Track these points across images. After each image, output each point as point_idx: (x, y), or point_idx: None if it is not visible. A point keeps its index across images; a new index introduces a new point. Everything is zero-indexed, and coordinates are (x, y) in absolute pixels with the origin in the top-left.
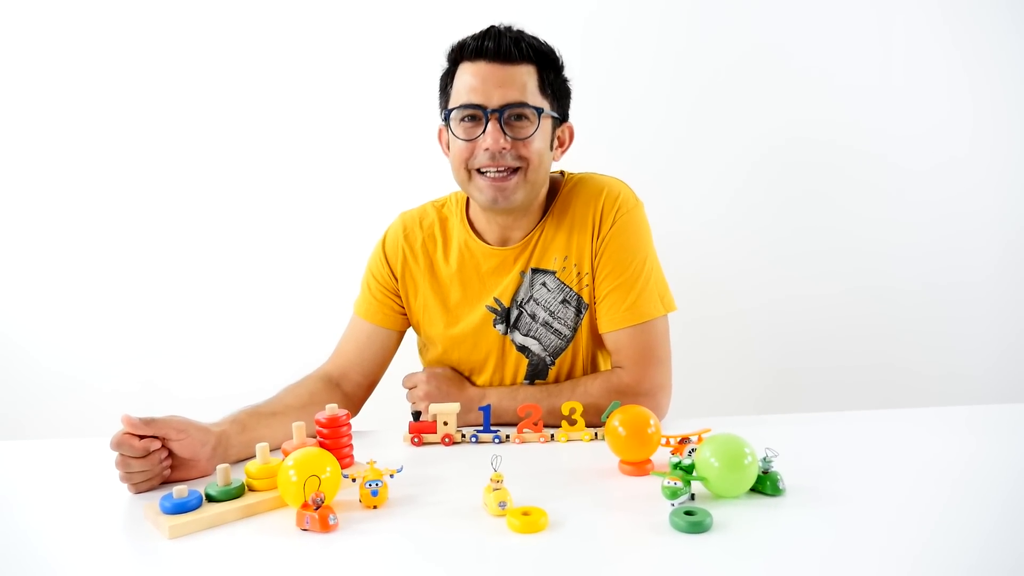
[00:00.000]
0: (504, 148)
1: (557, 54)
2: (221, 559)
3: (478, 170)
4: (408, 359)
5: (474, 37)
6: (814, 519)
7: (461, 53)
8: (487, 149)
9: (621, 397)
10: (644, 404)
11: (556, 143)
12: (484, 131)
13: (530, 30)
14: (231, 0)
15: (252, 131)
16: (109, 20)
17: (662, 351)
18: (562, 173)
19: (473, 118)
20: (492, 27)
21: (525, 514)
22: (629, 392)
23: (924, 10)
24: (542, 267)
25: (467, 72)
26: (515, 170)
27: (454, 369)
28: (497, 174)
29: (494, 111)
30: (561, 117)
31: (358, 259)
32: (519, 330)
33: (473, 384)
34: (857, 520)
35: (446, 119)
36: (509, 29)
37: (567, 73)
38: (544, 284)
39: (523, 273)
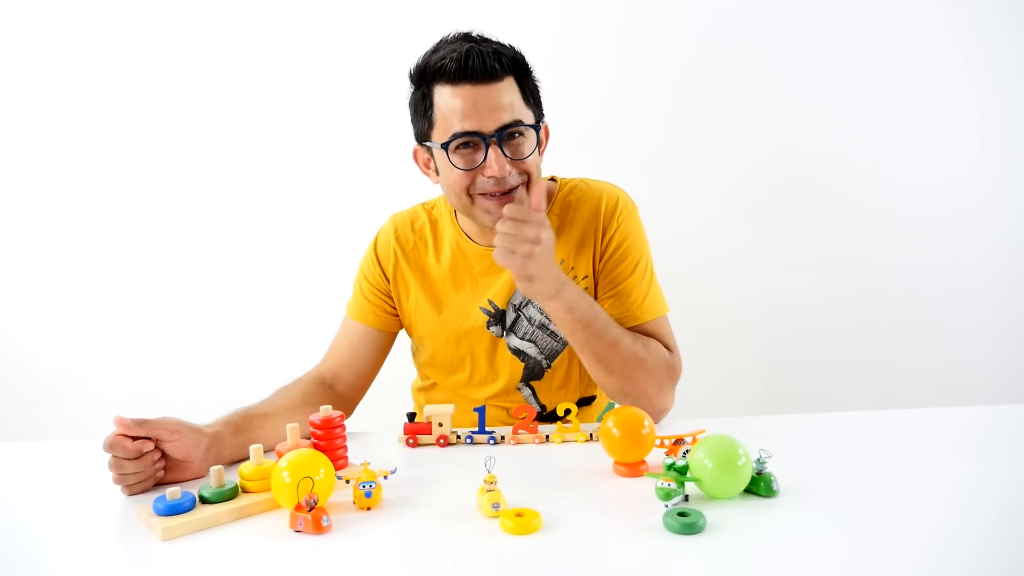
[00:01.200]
0: (509, 172)
1: (524, 56)
2: (214, 561)
3: (480, 194)
4: (403, 359)
5: (453, 59)
6: (808, 520)
7: (438, 74)
8: (491, 177)
9: (664, 365)
10: (669, 391)
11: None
12: (485, 159)
13: (521, 27)
14: (225, 2)
15: (243, 138)
16: (107, 22)
17: (673, 343)
18: (553, 178)
19: (469, 144)
20: (471, 46)
21: (519, 515)
22: (667, 362)
23: (926, 25)
24: None
25: (451, 96)
26: (515, 187)
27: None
28: (503, 196)
29: (492, 136)
30: (541, 118)
31: (350, 262)
32: (515, 334)
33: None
34: (851, 521)
35: (430, 146)
36: (484, 42)
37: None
38: None
39: None
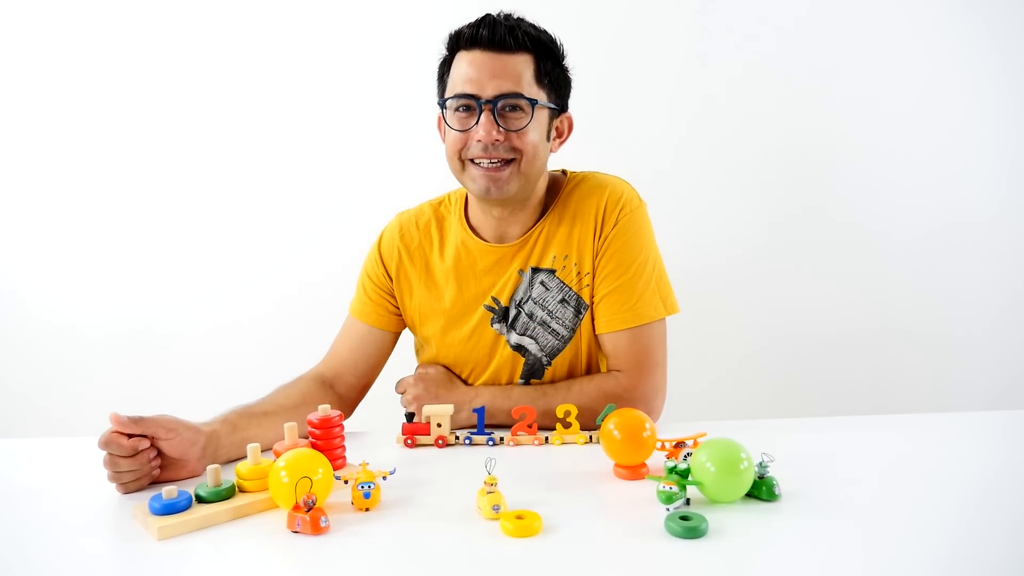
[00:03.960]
0: (497, 140)
1: (557, 43)
2: (211, 561)
3: (471, 160)
4: (405, 360)
5: (470, 25)
6: (810, 525)
7: (458, 42)
8: (479, 141)
9: (616, 401)
10: (638, 409)
11: (554, 134)
12: (477, 122)
13: (532, 18)
14: (231, 0)
15: (247, 132)
16: (110, 19)
17: (659, 355)
18: (564, 172)
19: (467, 108)
20: (488, 15)
21: (519, 518)
22: (625, 397)
23: (929, 22)
24: (542, 266)
25: (463, 61)
26: (508, 161)
27: (446, 368)
28: (490, 165)
29: (488, 102)
30: (559, 107)
31: (354, 261)
32: (515, 330)
33: (465, 383)
34: (852, 526)
35: (442, 108)
36: (508, 17)
37: (568, 62)
38: (543, 283)
39: (522, 272)
